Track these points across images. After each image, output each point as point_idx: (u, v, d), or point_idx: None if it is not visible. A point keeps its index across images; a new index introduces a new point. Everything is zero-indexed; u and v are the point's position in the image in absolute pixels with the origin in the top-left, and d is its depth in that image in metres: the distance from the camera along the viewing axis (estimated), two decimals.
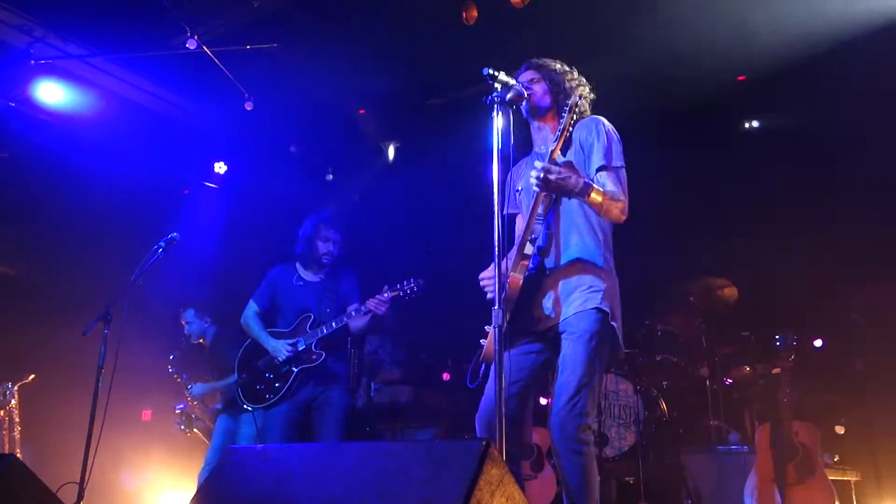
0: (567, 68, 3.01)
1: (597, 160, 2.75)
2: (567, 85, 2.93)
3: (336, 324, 3.95)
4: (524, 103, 2.90)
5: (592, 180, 2.68)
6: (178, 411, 5.21)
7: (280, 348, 3.96)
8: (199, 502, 2.20)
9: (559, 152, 2.70)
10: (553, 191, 2.59)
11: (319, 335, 3.95)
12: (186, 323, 5.27)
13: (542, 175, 2.53)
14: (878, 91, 5.05)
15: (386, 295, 3.91)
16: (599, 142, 2.77)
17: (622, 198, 2.70)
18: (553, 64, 3.00)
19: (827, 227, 5.59)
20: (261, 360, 4.07)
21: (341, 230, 4.21)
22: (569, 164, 2.68)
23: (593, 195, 2.61)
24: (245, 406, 4.08)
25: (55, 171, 6.07)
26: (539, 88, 2.92)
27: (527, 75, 2.97)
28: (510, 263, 2.86)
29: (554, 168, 2.55)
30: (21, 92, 5.71)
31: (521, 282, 2.70)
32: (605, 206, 2.65)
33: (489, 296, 2.84)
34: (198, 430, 5.27)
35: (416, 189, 7.59)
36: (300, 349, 3.95)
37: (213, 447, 4.85)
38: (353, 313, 3.92)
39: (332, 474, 2.01)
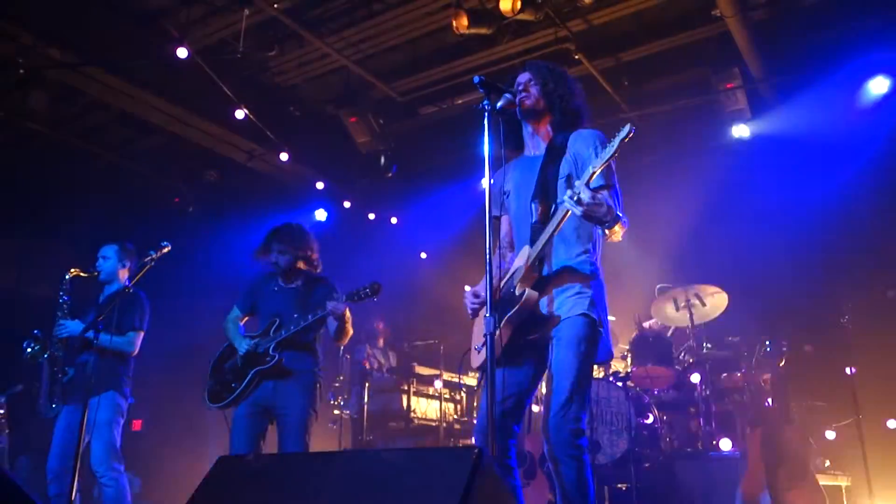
0: (563, 73, 3.00)
1: (598, 178, 2.74)
2: (562, 91, 2.92)
3: (293, 326, 3.99)
4: (517, 104, 2.89)
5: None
6: (35, 333, 4.33)
7: (242, 343, 4.03)
8: None
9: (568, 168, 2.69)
10: (584, 215, 2.52)
11: (278, 338, 4.00)
12: (102, 258, 4.51)
13: (578, 197, 2.46)
14: None
15: (343, 297, 3.93)
16: (599, 159, 2.77)
17: (621, 220, 2.69)
18: (549, 68, 2.99)
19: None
20: (228, 362, 4.15)
21: (294, 241, 4.22)
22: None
23: (617, 229, 2.61)
24: (207, 406, 4.10)
25: (47, 179, 6.05)
26: (534, 91, 2.92)
27: (523, 77, 2.96)
28: (502, 264, 2.86)
29: (590, 193, 2.48)
30: (10, 100, 5.69)
31: (536, 296, 2.70)
32: (617, 233, 2.66)
33: (471, 314, 2.84)
34: (36, 360, 4.36)
35: (408, 196, 7.61)
36: (259, 351, 4.00)
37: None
38: (309, 318, 3.95)
39: (326, 483, 2.00)
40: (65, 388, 4.34)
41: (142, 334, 4.45)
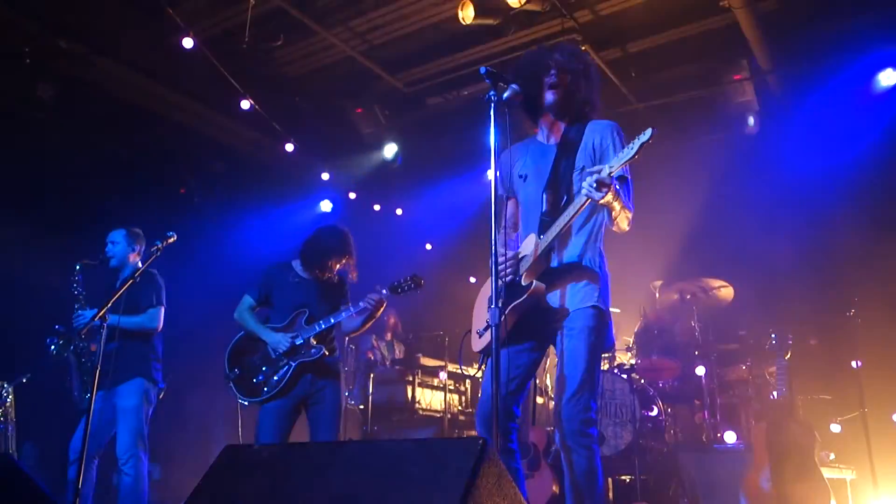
0: (591, 66, 2.95)
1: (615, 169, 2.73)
2: (587, 89, 2.89)
3: (334, 319, 4.02)
4: (550, 94, 2.83)
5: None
6: (56, 328, 4.33)
7: (281, 340, 4.01)
8: (197, 501, 2.20)
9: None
10: (604, 201, 2.54)
11: (317, 330, 4.02)
12: (111, 243, 4.48)
13: (599, 182, 2.48)
14: None
15: (383, 292, 3.96)
16: (616, 150, 2.76)
17: (632, 211, 2.75)
18: (581, 60, 2.92)
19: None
20: (255, 354, 4.11)
21: (356, 250, 4.25)
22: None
23: (625, 220, 2.71)
24: (241, 401, 4.07)
25: (54, 168, 6.06)
26: (566, 84, 2.84)
27: (556, 64, 2.85)
28: (509, 243, 2.87)
29: (608, 182, 2.51)
30: (17, 90, 5.70)
31: (544, 288, 2.72)
32: (625, 223, 2.75)
33: (508, 279, 2.76)
34: (62, 356, 4.34)
35: (414, 187, 7.61)
36: (298, 343, 3.99)
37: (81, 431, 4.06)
38: (351, 310, 3.97)
39: (331, 473, 2.01)
40: (94, 377, 4.38)
41: (163, 309, 4.42)
